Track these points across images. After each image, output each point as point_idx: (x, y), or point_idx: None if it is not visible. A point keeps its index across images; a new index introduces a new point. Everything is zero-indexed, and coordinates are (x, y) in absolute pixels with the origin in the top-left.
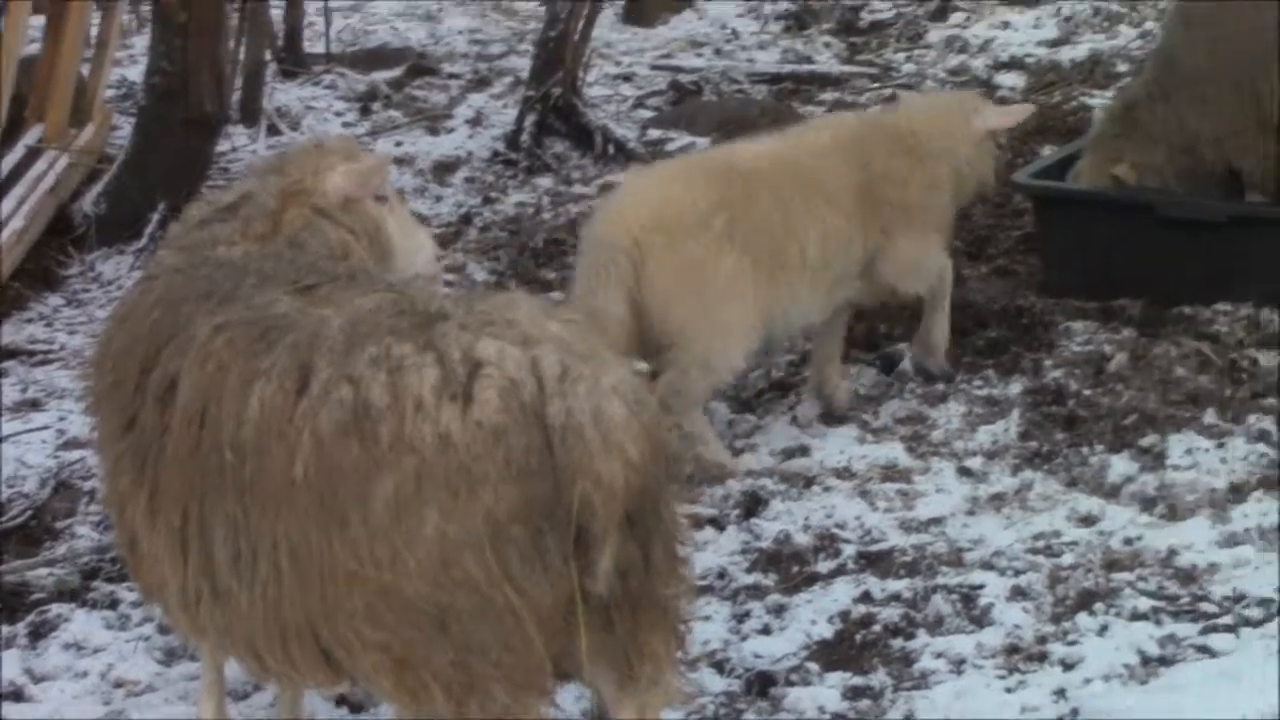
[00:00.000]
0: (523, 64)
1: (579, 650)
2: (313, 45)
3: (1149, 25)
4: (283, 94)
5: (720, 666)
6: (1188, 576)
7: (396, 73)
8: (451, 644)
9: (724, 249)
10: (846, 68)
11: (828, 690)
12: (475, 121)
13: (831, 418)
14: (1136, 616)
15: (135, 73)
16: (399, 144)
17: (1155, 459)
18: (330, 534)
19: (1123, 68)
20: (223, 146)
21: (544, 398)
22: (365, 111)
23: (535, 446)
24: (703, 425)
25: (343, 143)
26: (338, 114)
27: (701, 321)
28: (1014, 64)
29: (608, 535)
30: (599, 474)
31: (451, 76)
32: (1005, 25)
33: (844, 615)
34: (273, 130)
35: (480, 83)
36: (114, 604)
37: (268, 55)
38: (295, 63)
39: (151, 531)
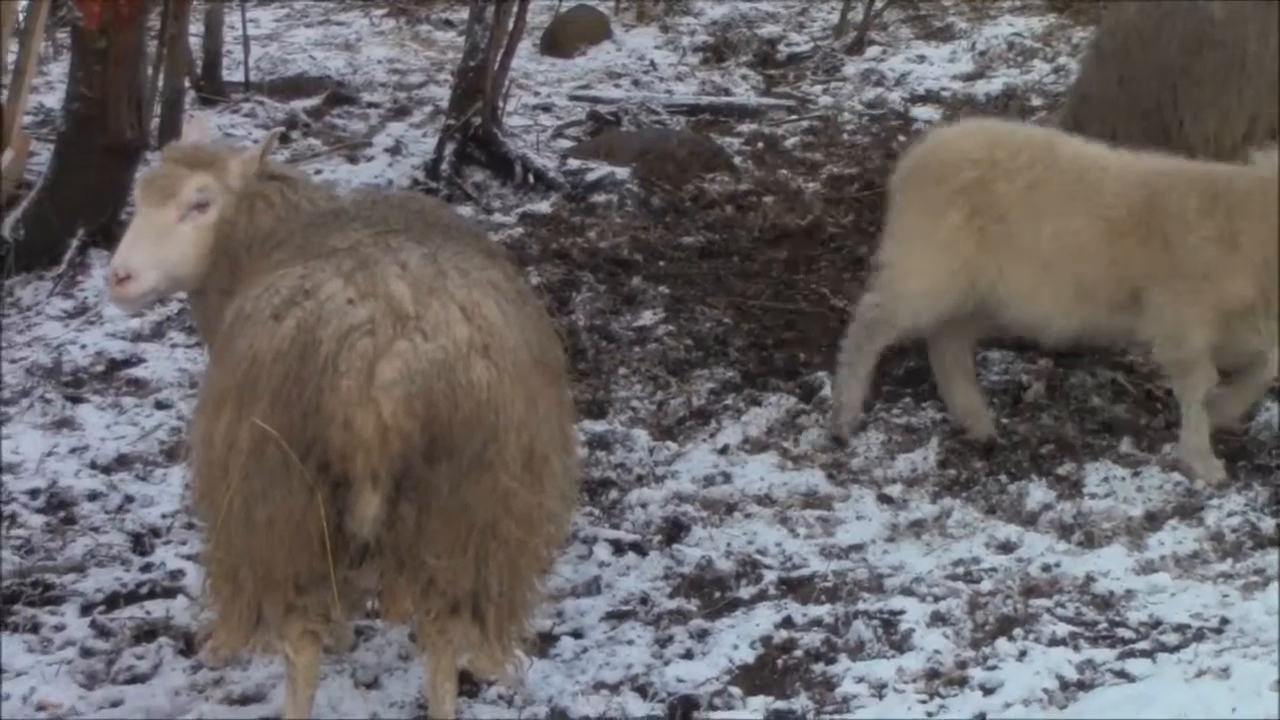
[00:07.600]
0: (442, 93)
1: (338, 581)
2: (231, 73)
3: (1062, 60)
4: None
5: (643, 691)
6: (1105, 603)
7: (315, 101)
8: (228, 533)
9: None
10: (764, 99)
11: (750, 714)
12: (395, 150)
13: (753, 445)
14: (1055, 642)
15: (53, 99)
16: (319, 172)
17: (1072, 487)
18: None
19: (1037, 101)
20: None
21: (324, 338)
22: (285, 139)
23: (303, 379)
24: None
25: None
26: (256, 142)
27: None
28: (930, 97)
29: (363, 484)
30: (350, 421)
31: (371, 105)
32: (921, 59)
33: (766, 640)
34: None
35: (400, 112)
36: (35, 628)
37: (186, 83)
38: (214, 90)
39: None
